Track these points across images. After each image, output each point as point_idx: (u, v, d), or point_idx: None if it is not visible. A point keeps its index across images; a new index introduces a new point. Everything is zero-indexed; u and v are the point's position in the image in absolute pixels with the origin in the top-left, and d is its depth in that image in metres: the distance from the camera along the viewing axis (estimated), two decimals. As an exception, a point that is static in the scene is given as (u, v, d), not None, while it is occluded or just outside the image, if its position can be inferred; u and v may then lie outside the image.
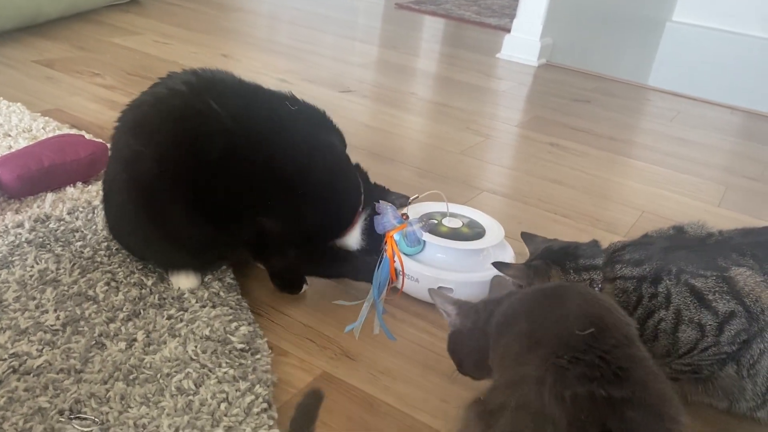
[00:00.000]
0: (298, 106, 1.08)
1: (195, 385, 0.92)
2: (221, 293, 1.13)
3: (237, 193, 1.04)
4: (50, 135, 1.59)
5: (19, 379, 0.88)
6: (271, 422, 0.88)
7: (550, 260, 1.01)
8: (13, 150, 1.47)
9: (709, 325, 0.91)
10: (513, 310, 0.82)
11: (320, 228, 1.09)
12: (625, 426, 0.61)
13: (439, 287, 1.18)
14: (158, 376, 0.93)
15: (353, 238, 1.15)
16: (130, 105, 1.10)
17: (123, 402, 0.88)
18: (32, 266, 1.11)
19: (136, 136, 1.05)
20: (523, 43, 3.33)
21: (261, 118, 1.05)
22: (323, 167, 1.06)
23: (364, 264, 1.15)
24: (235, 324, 1.05)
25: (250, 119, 1.03)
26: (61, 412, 0.84)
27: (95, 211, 1.31)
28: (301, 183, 1.05)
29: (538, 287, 0.87)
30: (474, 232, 1.26)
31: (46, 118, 1.74)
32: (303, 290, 1.19)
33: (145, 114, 1.06)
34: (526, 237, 1.13)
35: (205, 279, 1.16)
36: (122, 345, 0.98)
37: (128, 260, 1.18)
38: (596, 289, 0.97)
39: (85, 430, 0.83)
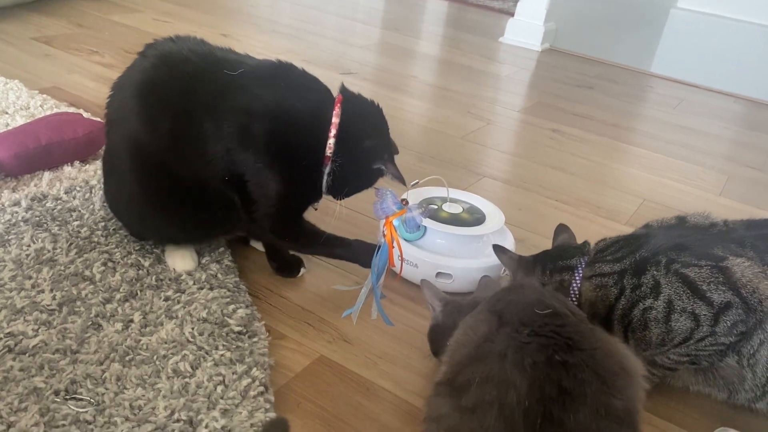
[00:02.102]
0: (245, 68, 1.04)
1: (191, 367, 0.92)
2: (219, 275, 1.12)
3: (198, 168, 1.04)
4: (48, 113, 1.57)
5: (14, 359, 0.88)
6: (268, 405, 0.88)
7: (539, 259, 1.05)
8: (10, 128, 1.45)
9: (704, 315, 0.90)
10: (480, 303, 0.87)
11: (281, 197, 1.05)
12: (578, 386, 0.67)
13: (438, 273, 1.18)
14: (154, 357, 0.93)
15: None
16: (115, 84, 1.10)
17: (119, 383, 0.88)
18: (29, 245, 1.11)
19: (120, 118, 1.07)
20: (526, 27, 3.30)
21: (205, 92, 1.03)
22: (263, 136, 1.01)
23: (346, 243, 1.13)
24: (232, 306, 1.04)
25: (198, 96, 1.03)
26: (56, 393, 0.84)
27: (92, 191, 1.30)
28: (246, 157, 1.02)
29: (506, 286, 0.92)
30: (474, 218, 1.25)
31: (44, 95, 1.72)
32: (300, 273, 1.18)
33: (123, 96, 1.06)
34: (557, 230, 1.15)
35: (203, 261, 1.15)
36: (119, 326, 0.97)
37: (125, 241, 1.17)
38: (573, 287, 1.00)
39: (81, 410, 0.82)
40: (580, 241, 1.09)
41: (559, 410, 0.66)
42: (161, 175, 1.06)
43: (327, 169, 1.06)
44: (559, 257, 1.04)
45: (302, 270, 1.18)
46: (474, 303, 0.91)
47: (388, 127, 1.12)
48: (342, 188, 1.09)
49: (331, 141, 1.04)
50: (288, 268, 1.19)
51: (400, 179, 1.08)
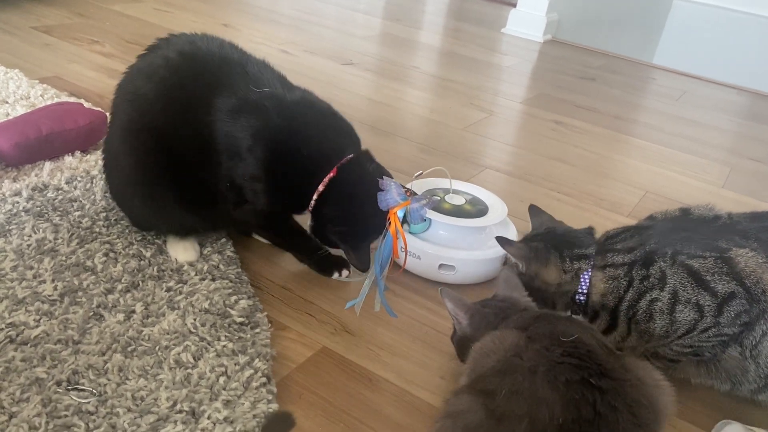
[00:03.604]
0: (271, 87, 1.06)
1: (194, 358, 0.91)
2: (221, 266, 1.12)
3: (205, 171, 1.06)
4: (48, 103, 1.57)
5: (16, 349, 0.88)
6: (270, 396, 0.87)
7: (551, 245, 1.01)
8: (10, 117, 1.45)
9: (708, 305, 0.90)
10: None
11: (267, 205, 1.07)
12: (611, 412, 0.67)
13: (441, 265, 1.17)
14: (157, 348, 0.92)
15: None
16: (129, 72, 1.10)
17: (121, 374, 0.87)
18: (30, 235, 1.10)
19: (134, 107, 1.07)
20: (528, 18, 3.29)
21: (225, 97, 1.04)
22: (262, 160, 1.03)
23: (310, 247, 1.15)
24: (234, 297, 1.04)
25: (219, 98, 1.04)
26: (58, 383, 0.84)
27: (94, 181, 1.29)
28: (246, 165, 1.04)
29: (534, 314, 0.89)
30: (477, 209, 1.24)
31: (45, 85, 1.71)
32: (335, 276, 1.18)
33: (141, 85, 1.06)
34: (534, 211, 1.13)
35: (205, 252, 1.15)
36: (120, 317, 0.97)
37: (127, 231, 1.17)
38: (584, 278, 0.98)
39: (83, 401, 0.82)
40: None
41: None
42: (169, 166, 1.06)
43: (309, 222, 1.09)
44: (575, 244, 1.01)
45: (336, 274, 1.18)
46: (500, 310, 0.90)
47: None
48: (322, 242, 1.12)
49: (312, 202, 1.06)
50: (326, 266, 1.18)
51: (357, 267, 1.08)
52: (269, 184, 1.05)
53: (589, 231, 1.05)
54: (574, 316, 1.03)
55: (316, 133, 1.07)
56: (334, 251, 1.18)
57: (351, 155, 1.06)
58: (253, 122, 1.03)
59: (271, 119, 1.03)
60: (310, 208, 1.07)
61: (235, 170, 1.04)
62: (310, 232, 1.11)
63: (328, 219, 1.06)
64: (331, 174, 1.05)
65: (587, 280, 0.98)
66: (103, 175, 1.21)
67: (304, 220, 1.17)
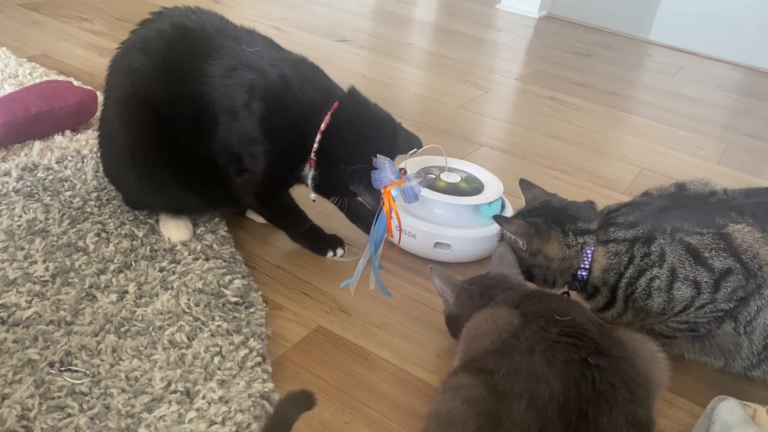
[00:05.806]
0: (262, 48, 1.07)
1: (188, 338, 0.91)
2: (214, 246, 1.11)
3: (203, 138, 1.05)
4: (37, 81, 1.54)
5: (8, 331, 0.87)
6: (266, 376, 0.87)
7: (551, 219, 0.99)
8: (-2, 96, 1.42)
9: (705, 282, 0.90)
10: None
11: (266, 170, 1.06)
12: (610, 389, 0.68)
13: (436, 243, 1.16)
14: (150, 328, 0.92)
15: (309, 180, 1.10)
16: (122, 47, 1.09)
17: (114, 354, 0.87)
18: (20, 216, 1.09)
19: (129, 81, 1.05)
20: (524, -7, 3.25)
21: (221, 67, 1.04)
22: (259, 115, 1.02)
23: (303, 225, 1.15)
24: (228, 277, 1.03)
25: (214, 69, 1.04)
26: (51, 364, 0.83)
27: (84, 161, 1.27)
28: (242, 129, 1.04)
29: (524, 292, 0.89)
30: (472, 187, 1.23)
31: (33, 63, 1.69)
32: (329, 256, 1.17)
33: (135, 59, 1.05)
34: (524, 184, 1.12)
35: (198, 231, 1.14)
36: (113, 297, 0.96)
37: (119, 211, 1.15)
38: (588, 252, 0.96)
39: (77, 382, 0.81)
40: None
41: (594, 410, 0.66)
42: (167, 141, 1.05)
43: (312, 172, 1.06)
44: (577, 218, 0.99)
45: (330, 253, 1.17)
46: (486, 288, 0.90)
47: (395, 136, 1.07)
48: (327, 193, 1.11)
49: (315, 146, 1.04)
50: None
51: (373, 206, 1.04)
52: (267, 142, 1.03)
53: (591, 205, 1.03)
54: (572, 293, 1.02)
55: (311, 78, 1.07)
56: (329, 232, 1.17)
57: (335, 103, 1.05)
58: (248, 75, 1.03)
59: (265, 70, 1.03)
60: (312, 156, 1.04)
61: (233, 134, 1.03)
62: (314, 189, 1.09)
63: (340, 158, 1.04)
64: (334, 107, 1.03)
65: (590, 256, 0.97)
66: (98, 153, 1.19)
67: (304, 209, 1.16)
